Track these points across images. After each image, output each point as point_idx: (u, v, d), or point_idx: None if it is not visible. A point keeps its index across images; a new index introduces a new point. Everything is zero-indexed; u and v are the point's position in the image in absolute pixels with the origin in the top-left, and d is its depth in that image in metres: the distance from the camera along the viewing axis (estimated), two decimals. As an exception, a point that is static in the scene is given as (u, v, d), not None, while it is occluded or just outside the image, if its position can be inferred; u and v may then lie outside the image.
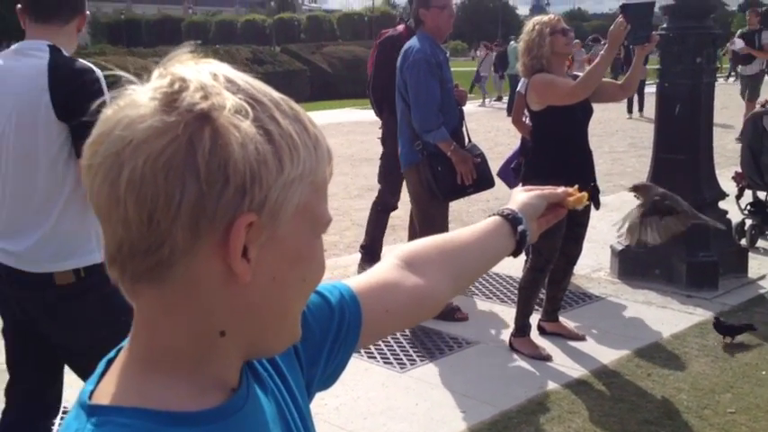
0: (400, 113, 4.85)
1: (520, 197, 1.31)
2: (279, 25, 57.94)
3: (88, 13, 2.82)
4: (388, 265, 1.14)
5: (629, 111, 17.25)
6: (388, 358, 4.38)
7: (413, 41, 4.78)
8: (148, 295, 0.71)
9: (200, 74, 0.70)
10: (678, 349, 4.48)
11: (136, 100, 0.69)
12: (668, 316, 5.03)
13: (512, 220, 1.25)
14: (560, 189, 1.34)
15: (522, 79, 5.72)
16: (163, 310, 0.72)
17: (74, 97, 2.46)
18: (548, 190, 1.33)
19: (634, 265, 5.75)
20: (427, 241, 1.21)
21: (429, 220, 4.82)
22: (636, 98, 16.62)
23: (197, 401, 0.73)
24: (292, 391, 0.90)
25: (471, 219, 8.03)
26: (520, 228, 1.24)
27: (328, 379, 1.04)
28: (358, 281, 1.09)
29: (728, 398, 3.86)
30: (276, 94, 0.73)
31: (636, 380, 4.10)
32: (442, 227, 4.86)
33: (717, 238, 5.63)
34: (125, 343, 0.78)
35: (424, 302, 1.14)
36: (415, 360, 4.38)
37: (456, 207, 8.29)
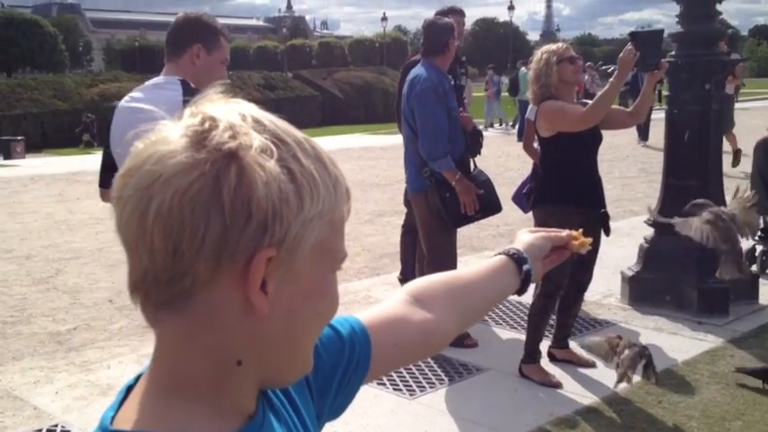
0: (406, 140, 4.91)
1: (525, 237, 1.34)
2: (291, 51, 58.44)
3: (199, 46, 3.06)
4: (398, 300, 1.17)
5: (641, 138, 17.05)
6: (398, 385, 4.39)
7: (419, 70, 4.84)
8: (169, 323, 0.75)
9: (229, 114, 0.73)
10: (689, 376, 4.47)
11: (167, 136, 0.72)
12: (679, 342, 5.02)
13: (517, 259, 1.29)
14: (565, 232, 1.38)
15: (531, 106, 5.77)
16: (182, 338, 0.75)
17: None
18: (553, 233, 1.37)
19: (644, 291, 5.74)
20: (436, 278, 1.24)
21: (437, 246, 4.84)
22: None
23: (216, 427, 0.76)
24: (304, 421, 0.92)
25: (482, 244, 8.04)
26: (525, 267, 1.28)
27: (338, 410, 1.07)
28: (368, 315, 1.12)
29: (739, 425, 3.84)
30: (299, 134, 0.76)
31: (646, 407, 4.08)
32: (451, 253, 4.88)
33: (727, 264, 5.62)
34: (144, 369, 0.81)
35: (431, 338, 1.17)
36: (424, 387, 4.38)
37: (467, 233, 8.31)
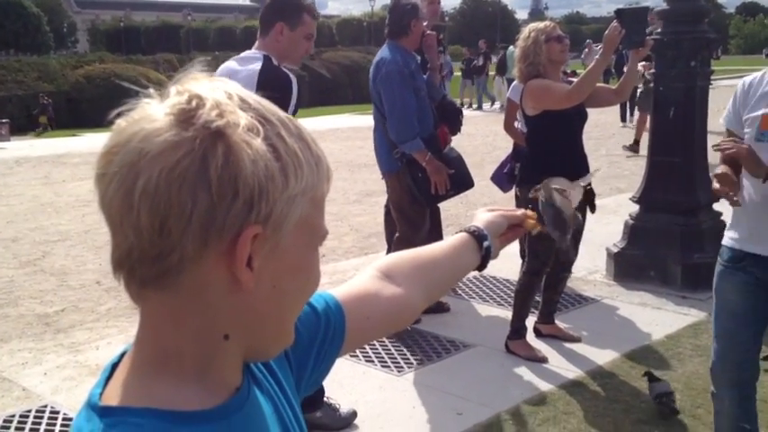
0: (375, 122, 4.91)
1: (484, 216, 1.41)
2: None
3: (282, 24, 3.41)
4: (368, 275, 1.21)
5: (623, 119, 16.79)
6: (386, 362, 4.42)
7: (384, 52, 4.82)
8: (154, 300, 0.76)
9: (215, 92, 0.74)
10: (672, 350, 4.52)
11: (151, 114, 0.73)
12: (663, 317, 5.07)
13: (477, 236, 1.34)
14: (520, 211, 1.44)
15: (512, 86, 5.81)
16: (169, 314, 0.76)
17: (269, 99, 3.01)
18: (509, 211, 1.44)
19: (629, 267, 5.79)
20: (402, 254, 1.30)
21: (411, 224, 4.86)
22: (628, 105, 16.25)
23: (203, 401, 0.77)
24: (286, 392, 0.95)
25: (470, 222, 8.06)
26: (485, 243, 1.34)
27: (315, 383, 1.10)
28: (341, 290, 1.16)
29: (722, 398, 3.89)
30: (282, 114, 0.78)
31: (630, 380, 4.14)
32: (422, 231, 4.91)
33: (712, 239, 5.67)
34: (128, 347, 0.82)
35: (401, 311, 1.22)
36: (412, 363, 4.42)
37: (454, 212, 8.34)
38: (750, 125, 2.91)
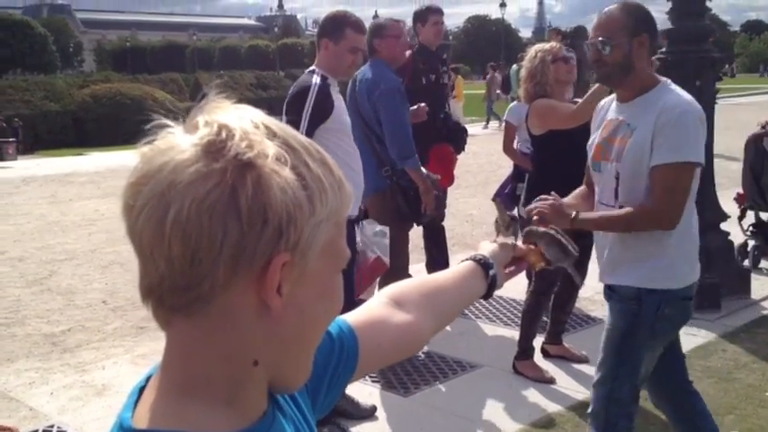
0: (361, 142, 4.78)
1: (489, 246, 1.45)
2: (282, 50, 58.43)
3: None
4: (379, 302, 1.23)
5: None
6: (392, 382, 4.40)
7: (372, 71, 4.75)
8: (184, 326, 0.76)
9: (242, 121, 0.75)
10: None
11: (179, 144, 0.73)
12: (671, 338, 5.04)
13: (483, 264, 1.38)
14: (524, 246, 1.50)
15: (509, 108, 5.87)
16: (198, 339, 0.76)
17: (286, 107, 3.80)
18: (514, 245, 1.49)
19: (637, 286, 5.76)
20: (411, 282, 1.32)
21: (395, 243, 4.82)
22: None
23: (230, 425, 0.78)
24: (306, 417, 0.96)
25: (475, 241, 8.05)
26: (491, 272, 1.38)
27: (327, 407, 1.10)
28: (353, 316, 1.17)
29: (731, 419, 3.87)
30: (304, 139, 0.79)
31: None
32: (405, 249, 4.92)
33: (719, 259, 5.66)
34: (153, 370, 0.83)
35: (411, 338, 1.23)
36: (418, 384, 4.40)
37: (460, 231, 8.35)
38: (588, 151, 3.00)
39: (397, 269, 4.36)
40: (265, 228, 0.71)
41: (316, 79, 3.77)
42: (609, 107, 2.97)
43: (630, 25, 2.76)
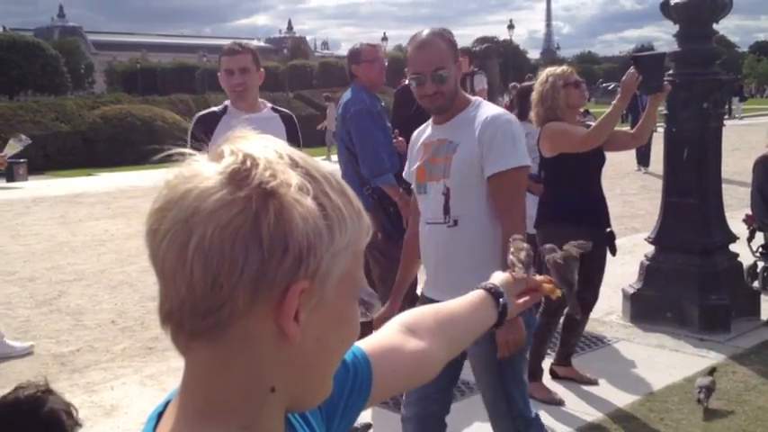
0: (344, 163, 4.92)
1: (500, 275, 1.47)
2: (292, 71, 58.72)
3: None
4: (392, 329, 1.25)
5: (642, 164, 15.92)
6: (399, 403, 4.38)
7: (349, 93, 4.92)
8: (202, 351, 0.77)
9: (266, 151, 0.76)
10: (691, 393, 4.47)
11: (203, 172, 0.75)
12: (681, 359, 5.03)
13: (494, 293, 1.40)
14: (539, 277, 1.52)
15: None
16: (217, 365, 0.78)
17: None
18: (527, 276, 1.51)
19: (646, 308, 5.76)
20: (425, 310, 1.33)
21: (389, 258, 4.82)
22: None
23: None
24: None
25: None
26: (501, 300, 1.39)
27: None
28: (367, 343, 1.18)
29: (742, 442, 3.84)
30: (325, 169, 0.80)
31: (649, 423, 4.09)
32: (396, 263, 4.94)
33: (729, 280, 5.65)
34: (171, 396, 0.84)
35: (424, 365, 1.25)
36: (427, 405, 4.37)
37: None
38: (411, 178, 3.09)
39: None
40: (286, 255, 0.72)
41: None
42: (423, 132, 3.08)
43: (453, 52, 2.89)
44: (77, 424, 2.25)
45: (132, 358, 5.38)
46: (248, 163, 0.74)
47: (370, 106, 4.78)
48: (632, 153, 16.60)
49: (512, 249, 1.64)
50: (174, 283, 0.74)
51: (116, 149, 25.24)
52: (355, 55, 4.98)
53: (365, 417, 4.19)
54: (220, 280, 0.72)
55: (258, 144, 0.77)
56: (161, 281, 0.76)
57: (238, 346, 0.76)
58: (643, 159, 15.62)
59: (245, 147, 0.76)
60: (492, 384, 3.01)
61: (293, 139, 3.85)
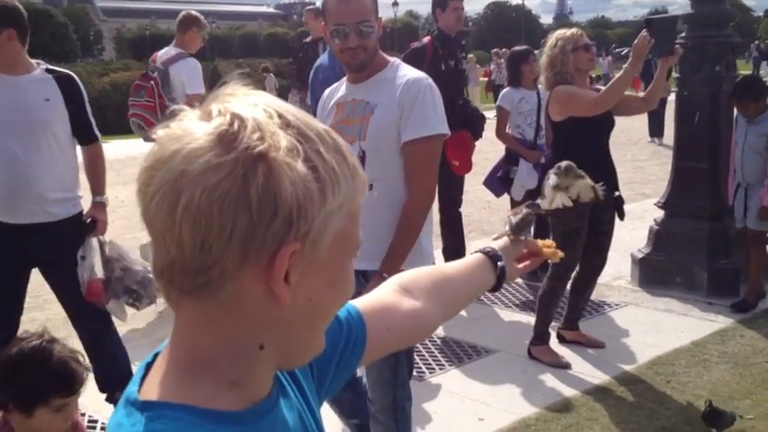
0: None
1: (500, 240, 1.49)
2: (302, 37, 58.33)
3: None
4: (388, 289, 1.25)
5: (652, 135, 15.11)
6: (423, 375, 4.41)
7: (323, 58, 4.79)
8: (193, 308, 0.78)
9: (255, 111, 0.75)
10: (698, 356, 4.48)
11: (193, 132, 0.74)
12: (689, 323, 5.03)
13: (492, 257, 1.40)
14: (539, 241, 1.53)
15: (502, 94, 5.99)
16: (206, 322, 0.78)
17: None
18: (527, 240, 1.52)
19: (654, 272, 5.75)
20: (422, 271, 1.34)
21: None
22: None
23: (234, 405, 0.80)
24: (308, 401, 0.97)
25: (492, 228, 8.05)
26: (500, 264, 1.40)
27: (333, 391, 1.12)
28: (362, 301, 1.18)
29: (748, 404, 3.85)
30: (320, 126, 0.79)
31: (655, 387, 4.11)
32: None
33: (738, 245, 5.62)
34: (160, 349, 0.85)
35: (419, 324, 1.25)
36: (434, 368, 4.41)
37: (477, 217, 8.34)
38: None
39: None
40: (275, 218, 0.72)
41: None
42: (337, 90, 2.95)
43: (375, 6, 2.76)
44: (87, 369, 2.29)
45: (142, 322, 5.43)
46: (236, 125, 0.73)
47: (339, 73, 4.70)
48: (645, 121, 16.27)
49: (509, 213, 1.65)
50: (164, 242, 0.74)
51: (126, 116, 25.32)
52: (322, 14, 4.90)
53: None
54: (209, 241, 0.72)
55: (248, 102, 0.76)
56: (152, 239, 0.77)
57: (228, 305, 0.76)
58: (657, 131, 15.04)
59: (233, 106, 0.75)
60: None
61: (74, 102, 3.66)
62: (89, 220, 3.94)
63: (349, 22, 2.69)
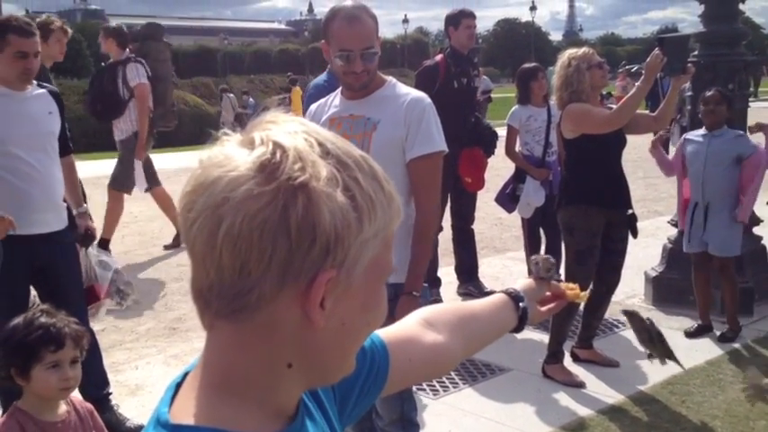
0: None
1: (523, 281, 1.51)
2: (312, 54, 58.56)
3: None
4: (412, 321, 1.27)
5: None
6: (422, 385, 4.41)
7: (321, 76, 4.84)
8: (226, 329, 0.79)
9: (296, 140, 0.77)
10: (713, 376, 4.46)
11: (235, 159, 0.76)
12: (702, 342, 5.01)
13: (514, 297, 1.43)
14: (562, 284, 1.56)
15: (511, 112, 6.01)
16: (240, 344, 0.80)
17: None
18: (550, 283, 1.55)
19: (668, 291, 5.73)
20: (446, 306, 1.38)
21: None
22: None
23: (262, 426, 0.81)
24: (331, 422, 0.98)
25: (504, 245, 8.05)
26: (521, 304, 1.42)
27: (353, 418, 1.13)
28: (386, 332, 1.20)
29: (763, 425, 3.83)
30: (357, 153, 0.81)
31: (670, 406, 4.09)
32: None
33: (752, 264, 5.60)
34: (190, 368, 0.87)
35: (441, 358, 1.27)
36: (447, 387, 4.41)
37: (489, 234, 8.33)
38: None
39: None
40: (313, 246, 0.74)
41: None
42: (327, 105, 2.96)
43: (377, 28, 2.82)
44: (83, 331, 2.49)
45: (156, 338, 5.45)
46: (278, 155, 0.75)
47: (322, 89, 4.75)
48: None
49: (533, 257, 1.67)
50: (203, 265, 0.76)
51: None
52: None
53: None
54: (248, 267, 0.74)
55: (288, 130, 0.78)
56: (192, 261, 0.78)
57: (263, 329, 0.78)
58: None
59: (274, 135, 0.77)
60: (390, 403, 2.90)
61: (62, 115, 3.86)
62: (84, 230, 4.13)
63: (355, 48, 2.72)
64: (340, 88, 2.97)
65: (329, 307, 0.77)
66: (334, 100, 2.95)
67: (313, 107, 3.06)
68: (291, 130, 0.78)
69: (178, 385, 0.86)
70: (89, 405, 2.61)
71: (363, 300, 0.81)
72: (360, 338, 0.87)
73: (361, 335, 0.86)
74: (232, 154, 0.77)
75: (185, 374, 0.87)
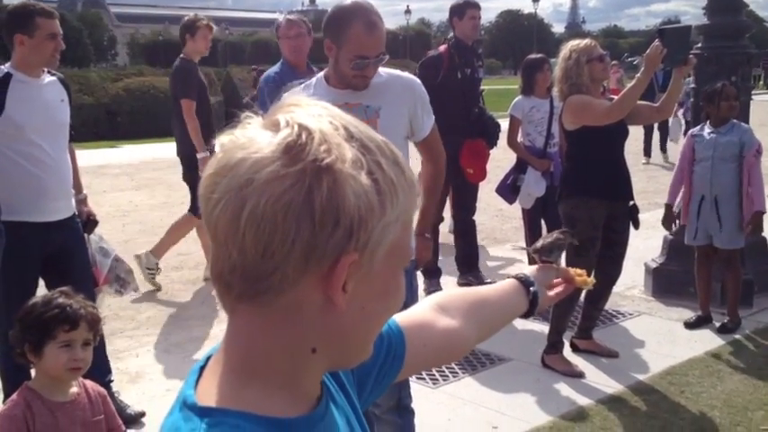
0: None
1: (532, 267, 1.53)
2: (314, 45, 58.52)
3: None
4: (426, 306, 1.28)
5: (646, 154, 13.86)
6: (421, 374, 4.43)
7: (274, 68, 5.01)
8: (248, 312, 0.80)
9: (321, 122, 0.77)
10: (712, 366, 4.48)
11: (259, 141, 0.76)
12: (702, 334, 5.02)
13: (525, 282, 1.43)
14: (571, 269, 1.56)
15: (514, 103, 6.01)
16: (262, 327, 0.80)
17: None
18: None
19: (668, 282, 5.74)
20: (458, 292, 1.38)
21: None
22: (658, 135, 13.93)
23: (286, 409, 0.82)
24: (354, 406, 0.99)
25: (504, 236, 8.06)
26: (532, 289, 1.43)
27: (369, 402, 1.14)
28: (401, 317, 1.20)
29: (761, 415, 3.84)
30: (379, 139, 0.81)
31: (669, 396, 4.10)
32: None
33: (752, 256, 5.61)
34: (213, 351, 0.87)
35: (454, 343, 1.28)
36: (447, 376, 4.42)
37: (489, 225, 8.34)
38: None
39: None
40: (336, 229, 0.74)
41: None
42: (311, 95, 2.95)
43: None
44: (98, 316, 2.53)
45: (157, 326, 5.46)
46: (303, 136, 0.75)
47: (273, 80, 4.83)
48: (657, 135, 15.92)
49: (534, 245, 1.68)
50: (226, 246, 0.76)
51: (139, 121, 25.35)
52: (276, 29, 5.18)
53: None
54: (272, 249, 0.74)
55: (312, 113, 0.78)
56: (214, 243, 0.78)
57: (285, 312, 0.78)
58: (661, 143, 14.21)
59: (299, 117, 0.77)
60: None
61: (70, 103, 3.92)
62: (86, 216, 4.20)
63: (372, 55, 2.77)
64: (318, 77, 2.98)
65: (350, 290, 0.78)
66: (317, 90, 2.88)
67: (288, 95, 3.07)
68: (316, 113, 0.78)
69: (201, 369, 0.86)
70: (102, 390, 2.62)
71: (383, 284, 0.82)
72: (379, 323, 0.87)
73: (381, 319, 0.87)
74: (255, 136, 0.77)
75: (208, 358, 0.87)
